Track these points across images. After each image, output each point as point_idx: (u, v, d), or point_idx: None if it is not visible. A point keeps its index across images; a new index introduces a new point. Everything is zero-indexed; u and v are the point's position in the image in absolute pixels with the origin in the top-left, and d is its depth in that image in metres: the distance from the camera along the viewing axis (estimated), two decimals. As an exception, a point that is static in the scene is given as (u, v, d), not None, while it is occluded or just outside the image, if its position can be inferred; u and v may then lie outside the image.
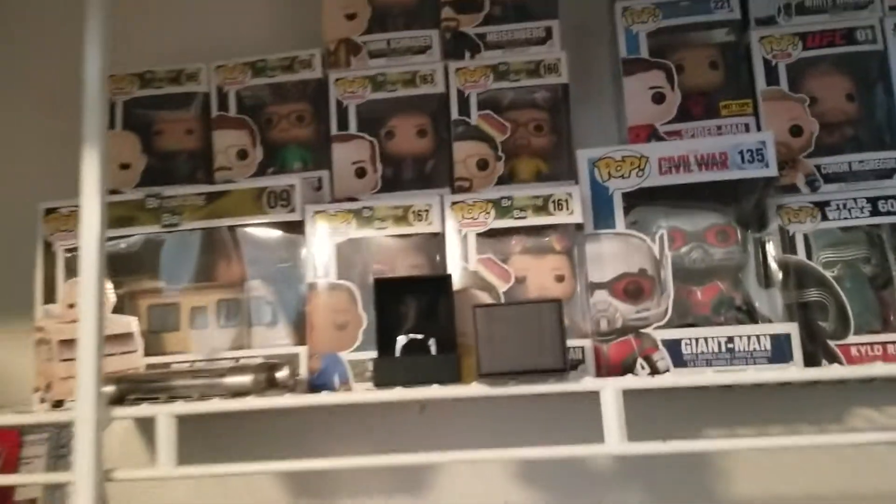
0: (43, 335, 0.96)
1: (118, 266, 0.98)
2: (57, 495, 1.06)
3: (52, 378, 0.94)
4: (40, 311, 0.98)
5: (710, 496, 1.03)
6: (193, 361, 0.94)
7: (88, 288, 0.76)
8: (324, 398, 0.80)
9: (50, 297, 0.99)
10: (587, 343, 0.91)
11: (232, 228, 0.99)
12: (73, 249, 0.98)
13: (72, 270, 0.98)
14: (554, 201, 0.95)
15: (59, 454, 1.09)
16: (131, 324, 0.95)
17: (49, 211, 1.01)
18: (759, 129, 1.00)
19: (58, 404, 0.93)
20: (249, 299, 0.98)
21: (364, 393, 0.82)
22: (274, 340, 0.97)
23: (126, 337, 0.94)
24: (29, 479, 0.93)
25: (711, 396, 1.02)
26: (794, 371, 0.84)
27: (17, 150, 1.21)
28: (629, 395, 0.75)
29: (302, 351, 0.94)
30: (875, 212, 0.96)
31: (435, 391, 0.78)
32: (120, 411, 0.79)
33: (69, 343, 0.94)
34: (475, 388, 0.77)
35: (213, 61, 1.10)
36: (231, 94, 1.09)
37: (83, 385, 0.75)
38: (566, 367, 0.75)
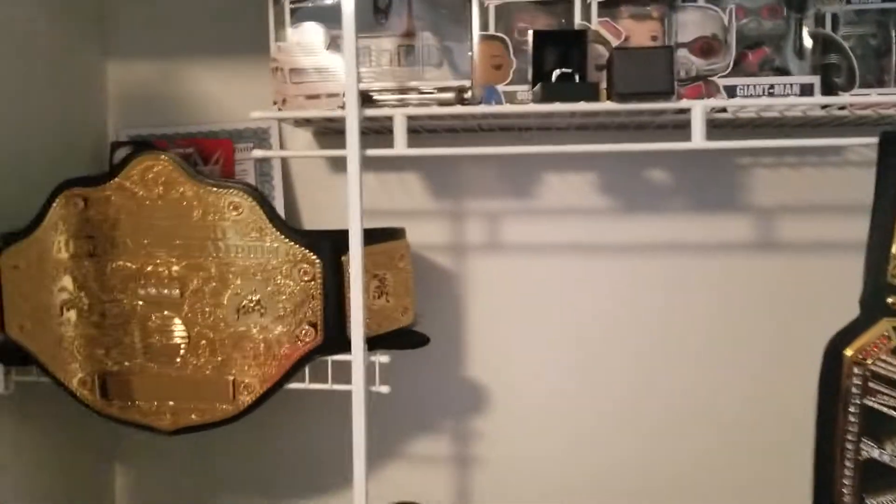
0: (278, 65, 1.31)
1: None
2: (265, 180, 1.46)
3: (287, 95, 1.31)
4: (274, 48, 1.32)
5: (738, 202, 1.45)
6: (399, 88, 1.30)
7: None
8: (507, 108, 1.18)
9: (280, 36, 1.32)
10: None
11: (410, -9, 1.32)
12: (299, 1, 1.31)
13: (296, 17, 1.31)
14: (656, -20, 1.29)
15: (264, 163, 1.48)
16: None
17: (281, -29, 1.32)
18: (811, -69, 1.32)
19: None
20: (422, 46, 1.33)
21: (533, 106, 1.19)
22: (441, 77, 1.33)
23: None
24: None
25: (748, 131, 1.41)
26: (815, 99, 1.22)
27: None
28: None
29: (467, 83, 1.30)
30: (886, -1, 1.31)
31: (582, 106, 1.16)
32: (370, 111, 1.15)
33: (298, 70, 1.30)
34: (609, 105, 1.15)
35: None
36: None
37: (349, 87, 1.11)
38: (674, 91, 1.13)
